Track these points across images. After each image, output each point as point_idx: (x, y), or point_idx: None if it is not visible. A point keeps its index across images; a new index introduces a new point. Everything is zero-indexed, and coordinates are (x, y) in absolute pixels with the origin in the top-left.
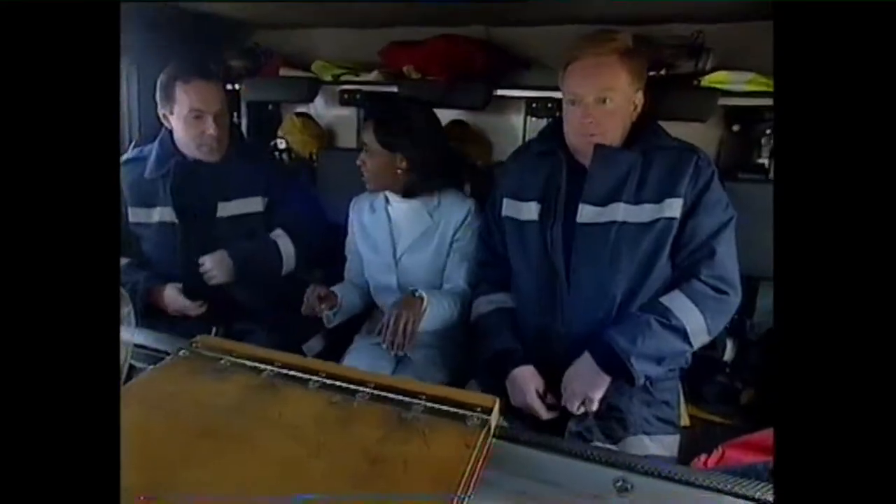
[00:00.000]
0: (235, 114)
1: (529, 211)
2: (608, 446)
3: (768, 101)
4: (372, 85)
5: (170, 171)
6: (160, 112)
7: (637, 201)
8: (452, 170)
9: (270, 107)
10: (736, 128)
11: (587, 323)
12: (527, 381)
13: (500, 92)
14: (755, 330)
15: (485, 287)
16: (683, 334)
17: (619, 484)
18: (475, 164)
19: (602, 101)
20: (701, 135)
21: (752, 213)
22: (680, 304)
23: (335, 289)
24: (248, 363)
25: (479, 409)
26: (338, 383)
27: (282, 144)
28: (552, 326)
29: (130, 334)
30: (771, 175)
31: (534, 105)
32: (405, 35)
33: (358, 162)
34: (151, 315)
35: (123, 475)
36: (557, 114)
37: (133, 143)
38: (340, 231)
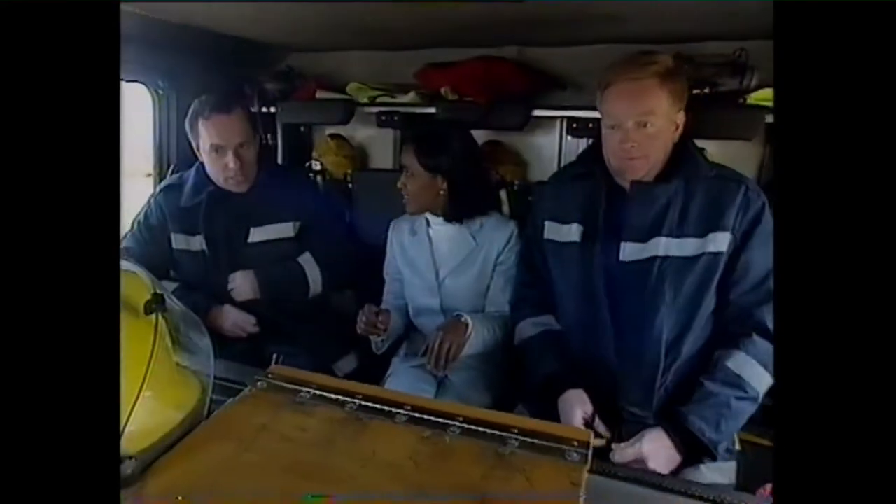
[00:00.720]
0: (269, 135)
1: (570, 233)
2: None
3: None
4: (409, 106)
5: (203, 200)
6: (194, 145)
7: (679, 234)
8: (491, 191)
9: (303, 129)
10: None
11: (635, 353)
12: (573, 405)
13: (536, 112)
14: None
15: (528, 309)
16: (756, 399)
17: None
18: (511, 185)
19: (643, 124)
20: (743, 153)
21: None
22: (751, 372)
23: None
24: (330, 395)
25: (576, 444)
26: (425, 417)
27: (316, 166)
28: (597, 349)
29: (211, 366)
30: None
31: (574, 125)
32: (439, 57)
33: (399, 184)
34: None
35: None
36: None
37: (172, 168)
38: (374, 252)
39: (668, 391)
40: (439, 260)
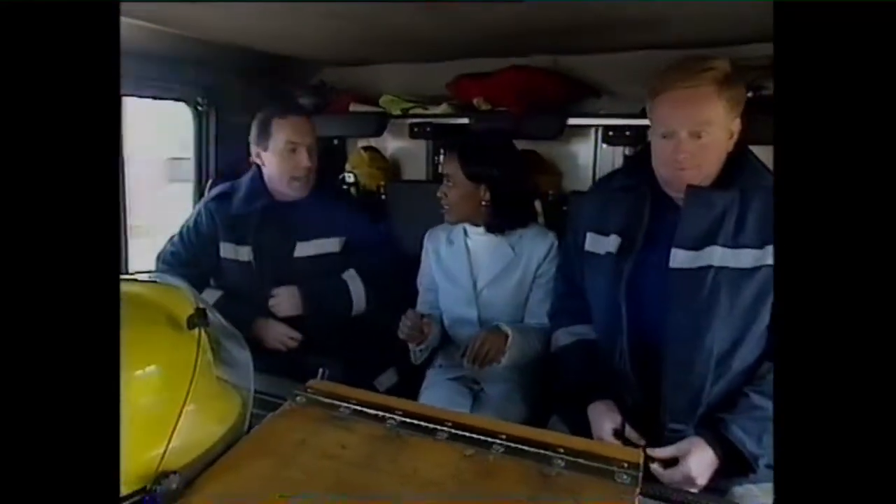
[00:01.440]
0: None
1: (608, 244)
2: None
3: None
4: (442, 117)
5: (256, 210)
6: (253, 151)
7: (735, 245)
8: (531, 202)
9: (336, 141)
10: None
11: (682, 366)
12: (602, 416)
13: (571, 121)
14: None
15: (565, 319)
16: None
17: None
18: (547, 195)
19: (697, 134)
20: None
21: None
22: None
23: None
24: (369, 411)
25: (626, 465)
26: (467, 434)
27: (350, 178)
28: (615, 364)
29: (251, 380)
30: None
31: (610, 133)
32: (471, 67)
33: (439, 194)
34: None
35: None
36: (637, 145)
37: (211, 181)
38: (409, 261)
39: (710, 405)
40: (477, 270)
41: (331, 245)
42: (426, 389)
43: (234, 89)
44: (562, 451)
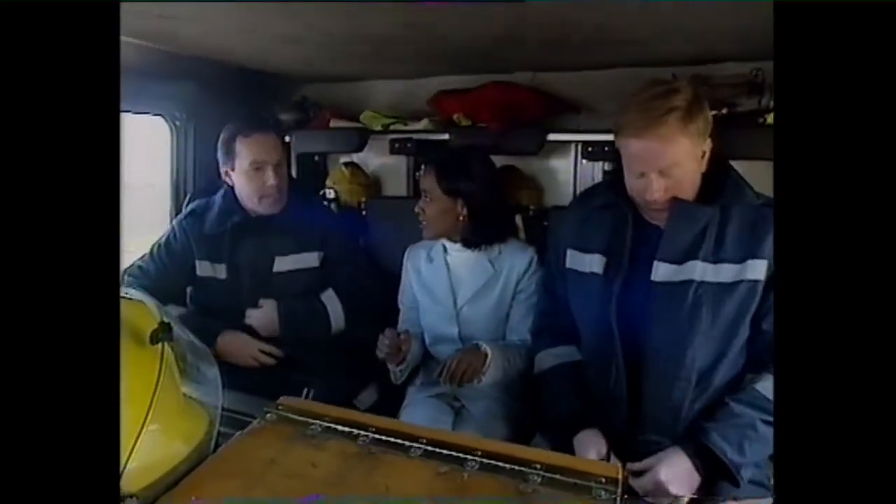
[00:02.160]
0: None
1: (592, 263)
2: None
3: None
4: (422, 133)
5: (230, 227)
6: (222, 170)
7: (716, 260)
8: (509, 217)
9: (317, 157)
10: None
11: (664, 380)
12: (588, 446)
13: (550, 136)
14: None
15: (548, 339)
16: None
17: None
18: (527, 210)
19: (668, 174)
20: (765, 174)
21: None
22: None
23: None
24: (342, 428)
25: (603, 480)
26: (442, 451)
27: (330, 194)
28: (609, 386)
29: (219, 398)
30: None
31: (589, 149)
32: (452, 84)
33: (416, 209)
34: None
35: None
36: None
37: (189, 196)
38: (389, 278)
39: (692, 420)
40: (457, 287)
41: (310, 259)
42: (406, 407)
43: (213, 104)
44: (538, 466)
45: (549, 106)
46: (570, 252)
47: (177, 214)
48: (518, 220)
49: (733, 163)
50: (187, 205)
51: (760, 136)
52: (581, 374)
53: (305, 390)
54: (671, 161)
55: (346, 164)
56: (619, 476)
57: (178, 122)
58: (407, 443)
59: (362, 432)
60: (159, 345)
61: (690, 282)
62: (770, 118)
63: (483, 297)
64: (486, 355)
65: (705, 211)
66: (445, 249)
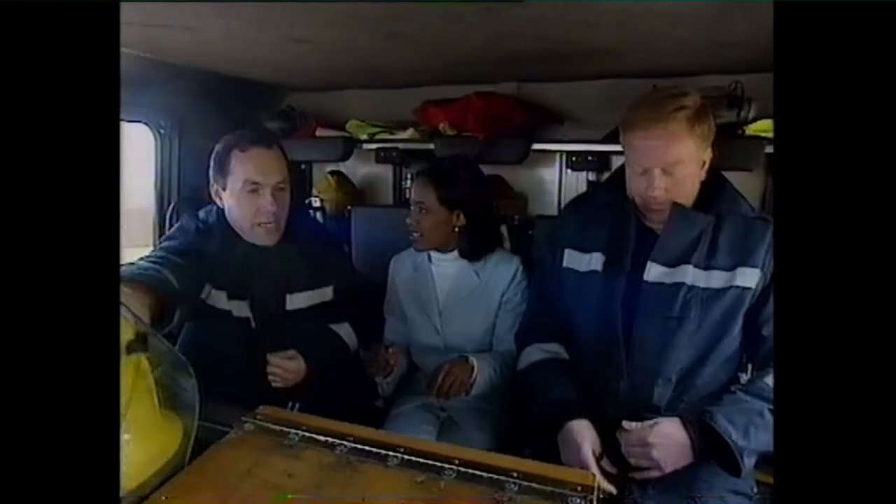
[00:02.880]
0: None
1: (591, 262)
2: None
3: None
4: (408, 142)
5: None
6: (212, 190)
7: (707, 266)
8: (498, 227)
9: (303, 166)
10: None
11: (647, 378)
12: (583, 435)
13: (535, 146)
14: None
15: (537, 334)
16: None
17: None
18: (512, 220)
19: (670, 172)
20: (745, 185)
21: None
22: None
23: None
24: (319, 438)
25: (579, 488)
26: (420, 460)
27: (316, 202)
28: (609, 383)
29: (196, 409)
30: None
31: (573, 158)
32: (438, 94)
33: (409, 221)
34: None
35: None
36: (601, 170)
37: (172, 206)
38: (374, 288)
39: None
40: (443, 297)
41: (324, 294)
42: (392, 418)
43: (197, 113)
44: (515, 475)
45: (533, 116)
46: (567, 252)
47: (160, 222)
48: (503, 229)
49: None
50: (172, 212)
51: (742, 147)
52: (569, 371)
53: (290, 403)
54: (675, 158)
55: (332, 173)
56: (594, 484)
57: (162, 131)
58: (385, 452)
59: (340, 442)
60: (133, 356)
61: (681, 284)
62: (750, 129)
63: (468, 308)
64: (472, 368)
65: (702, 217)
66: (430, 259)
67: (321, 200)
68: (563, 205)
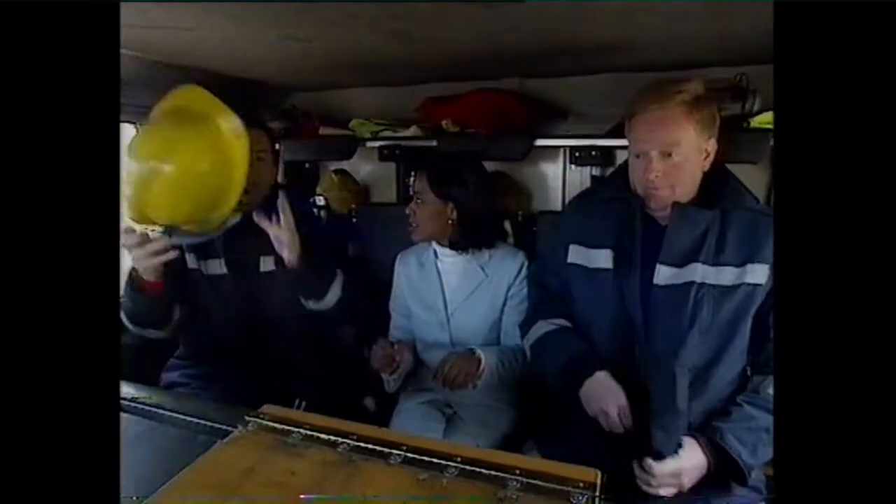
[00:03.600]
0: None
1: (600, 259)
2: None
3: None
4: (411, 140)
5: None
6: None
7: (716, 263)
8: (499, 223)
9: (308, 165)
10: None
11: (664, 378)
12: (606, 385)
13: (539, 142)
14: None
15: (544, 315)
16: None
17: None
18: (516, 216)
19: (668, 154)
20: (750, 177)
21: None
22: None
23: None
24: (322, 436)
25: (581, 485)
26: (422, 458)
27: (321, 201)
28: (626, 376)
29: None
30: None
31: (577, 154)
32: (441, 91)
33: (407, 210)
34: None
35: None
36: (605, 165)
37: None
38: (380, 285)
39: (692, 422)
40: (449, 293)
41: None
42: (398, 414)
43: None
44: (517, 472)
45: (536, 112)
46: (572, 247)
47: None
48: (507, 225)
49: None
50: None
51: (747, 140)
52: (581, 337)
53: (297, 401)
54: (672, 140)
55: (336, 172)
56: (597, 481)
57: None
58: (387, 450)
59: (342, 440)
60: None
61: (692, 283)
62: (754, 122)
63: (475, 303)
64: (479, 360)
65: (705, 214)
66: (436, 255)
67: (325, 199)
68: (566, 200)
